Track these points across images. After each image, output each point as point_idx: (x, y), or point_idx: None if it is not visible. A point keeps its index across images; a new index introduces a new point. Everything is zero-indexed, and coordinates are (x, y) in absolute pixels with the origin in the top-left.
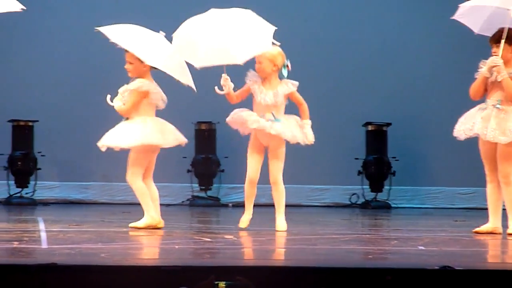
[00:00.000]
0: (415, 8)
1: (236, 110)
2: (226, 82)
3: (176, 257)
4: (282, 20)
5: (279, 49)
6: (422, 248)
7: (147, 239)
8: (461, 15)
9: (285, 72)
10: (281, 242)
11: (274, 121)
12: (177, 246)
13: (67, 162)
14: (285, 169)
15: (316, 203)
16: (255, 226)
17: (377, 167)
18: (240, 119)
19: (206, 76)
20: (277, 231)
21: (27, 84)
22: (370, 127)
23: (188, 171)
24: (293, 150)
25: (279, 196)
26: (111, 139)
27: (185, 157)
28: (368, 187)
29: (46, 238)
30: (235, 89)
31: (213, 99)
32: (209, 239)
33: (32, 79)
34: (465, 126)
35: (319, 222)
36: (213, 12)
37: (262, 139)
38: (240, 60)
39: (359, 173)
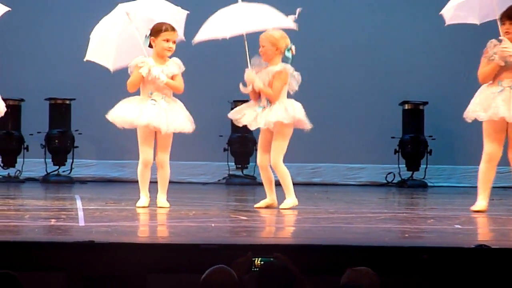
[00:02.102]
0: None
1: (238, 108)
2: (252, 80)
3: (213, 235)
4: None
5: (282, 32)
6: (459, 226)
7: (184, 218)
8: (451, 18)
9: (289, 55)
10: (317, 221)
11: (266, 107)
12: (213, 224)
13: (104, 140)
14: (321, 148)
15: (352, 182)
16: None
17: (413, 146)
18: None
19: (242, 55)
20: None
21: (64, 62)
22: (407, 106)
23: (225, 149)
24: (330, 129)
25: (281, 178)
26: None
27: (221, 136)
28: (404, 166)
29: (83, 216)
30: None
31: None
32: (245, 217)
33: (69, 57)
34: (487, 110)
35: (355, 201)
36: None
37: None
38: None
39: (396, 151)
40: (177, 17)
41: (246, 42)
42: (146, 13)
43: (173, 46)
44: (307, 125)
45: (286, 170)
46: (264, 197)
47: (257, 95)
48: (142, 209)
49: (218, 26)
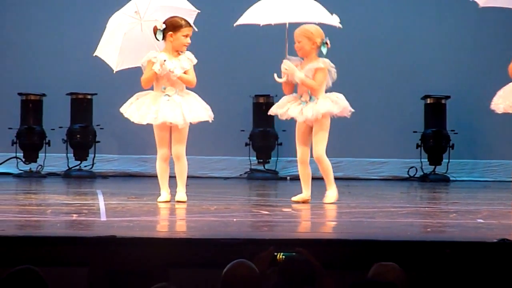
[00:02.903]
0: None
1: (280, 102)
2: (290, 70)
3: (235, 230)
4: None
5: (317, 27)
6: (481, 221)
7: (206, 213)
8: (487, 2)
9: (324, 50)
10: (339, 215)
11: (309, 102)
12: (235, 219)
13: (126, 135)
14: (343, 143)
15: (375, 176)
16: (313, 199)
17: (435, 140)
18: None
19: (264, 50)
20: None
21: (86, 56)
22: (429, 100)
23: (246, 144)
24: (352, 124)
25: (324, 170)
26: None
27: (243, 131)
28: (426, 160)
29: (105, 210)
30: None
31: (270, 72)
32: (267, 212)
33: (90, 52)
34: (505, 102)
35: (377, 195)
36: None
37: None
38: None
39: (418, 146)
40: (189, 12)
41: (287, 32)
42: (160, 2)
43: (189, 42)
44: (349, 112)
45: (329, 162)
46: (288, 192)
47: (291, 87)
48: (163, 204)
49: (262, 13)
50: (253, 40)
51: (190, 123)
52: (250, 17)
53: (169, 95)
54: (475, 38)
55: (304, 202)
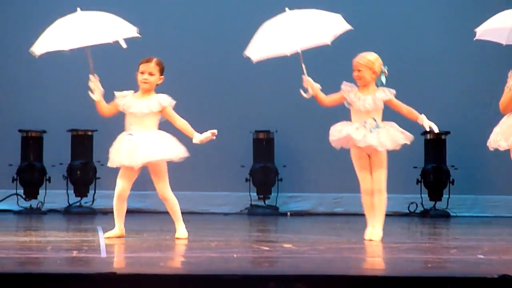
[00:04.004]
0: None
1: (337, 127)
2: (308, 83)
3: (235, 266)
4: None
5: (376, 55)
6: (482, 256)
7: (206, 249)
8: (482, 34)
9: (383, 79)
10: (340, 251)
11: (376, 128)
12: (235, 255)
13: None
14: (343, 178)
15: None
16: (314, 235)
17: (436, 175)
18: (345, 139)
19: (264, 85)
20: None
21: (86, 93)
22: (429, 136)
23: (246, 180)
24: (351, 161)
25: (381, 204)
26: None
27: (243, 166)
28: (427, 195)
29: (105, 247)
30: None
31: (271, 107)
32: (267, 248)
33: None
34: (508, 139)
35: None
36: (283, 14)
37: (366, 149)
38: (291, 49)
39: (418, 181)
40: (124, 32)
41: (302, 58)
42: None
43: (149, 78)
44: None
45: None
46: (289, 228)
47: (324, 100)
48: (164, 240)
49: (273, 42)
50: (253, 75)
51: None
52: (264, 49)
53: (131, 134)
54: (474, 74)
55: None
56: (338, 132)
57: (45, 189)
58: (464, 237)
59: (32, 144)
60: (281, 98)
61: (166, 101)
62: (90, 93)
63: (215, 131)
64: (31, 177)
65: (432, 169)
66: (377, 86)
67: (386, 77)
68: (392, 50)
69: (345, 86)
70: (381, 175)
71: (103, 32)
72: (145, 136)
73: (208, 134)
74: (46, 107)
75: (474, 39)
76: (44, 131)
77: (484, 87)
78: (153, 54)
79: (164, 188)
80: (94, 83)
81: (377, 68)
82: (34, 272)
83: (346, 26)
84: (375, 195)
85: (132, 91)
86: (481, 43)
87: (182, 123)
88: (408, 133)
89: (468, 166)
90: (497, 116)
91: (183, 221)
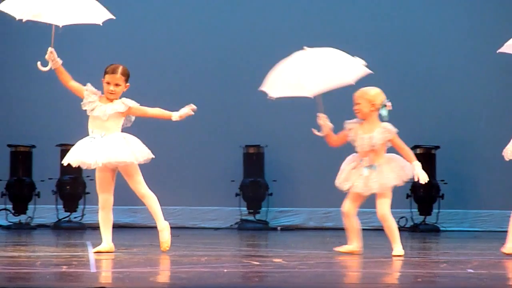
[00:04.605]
0: (465, 31)
1: (342, 165)
2: (325, 122)
3: (225, 281)
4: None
5: (378, 89)
6: (471, 271)
7: (196, 263)
8: (507, 47)
9: (385, 112)
10: (329, 265)
11: (370, 169)
12: (225, 270)
13: (116, 186)
14: (333, 193)
15: (365, 226)
16: (304, 250)
17: (425, 190)
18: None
19: (255, 100)
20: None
21: (75, 108)
22: (418, 150)
23: (237, 194)
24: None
25: (389, 229)
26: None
27: (233, 181)
28: (416, 210)
29: (95, 262)
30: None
31: (261, 122)
32: (257, 263)
33: (79, 103)
34: None
35: (367, 245)
36: (302, 52)
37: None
38: (310, 92)
39: (408, 196)
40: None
41: (321, 102)
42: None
43: (116, 89)
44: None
45: (393, 219)
46: (279, 242)
47: (334, 140)
48: (154, 255)
49: (295, 81)
50: (243, 91)
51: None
52: (282, 87)
53: (94, 137)
54: (464, 89)
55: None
56: (347, 183)
57: (34, 204)
58: (454, 251)
59: (21, 159)
60: (271, 113)
61: (130, 101)
62: (39, 65)
63: (194, 107)
64: (20, 192)
65: (422, 183)
66: (381, 120)
67: (389, 111)
68: (382, 63)
69: (348, 124)
70: (384, 202)
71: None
72: (108, 139)
73: (186, 110)
74: (35, 122)
75: (498, 51)
76: (33, 146)
77: (474, 102)
78: (144, 66)
79: (139, 187)
80: (50, 54)
81: (377, 101)
82: (24, 287)
83: (366, 69)
84: (382, 222)
85: (100, 93)
86: (472, 57)
87: (154, 111)
88: (405, 170)
89: (458, 180)
90: (487, 131)
91: (173, 236)
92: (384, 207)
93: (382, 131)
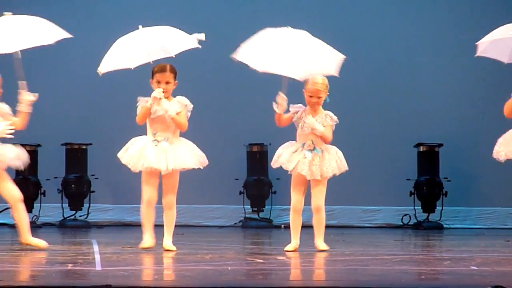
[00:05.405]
0: (469, 29)
1: (279, 150)
2: (283, 102)
3: (229, 278)
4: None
5: (324, 77)
6: (475, 268)
7: (200, 261)
8: (484, 51)
9: (328, 99)
10: (333, 263)
11: (313, 152)
12: (230, 268)
13: (121, 185)
14: (337, 191)
15: (368, 224)
16: (307, 247)
17: (429, 187)
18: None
19: (256, 98)
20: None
21: (80, 107)
22: (422, 148)
23: (240, 193)
24: (344, 172)
25: (321, 223)
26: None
27: (237, 179)
28: (420, 207)
29: (100, 260)
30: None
31: (264, 121)
32: (261, 260)
33: (85, 102)
34: (507, 148)
35: (371, 243)
36: (286, 29)
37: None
38: (299, 76)
39: (411, 194)
40: (186, 43)
41: (286, 84)
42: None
43: (167, 87)
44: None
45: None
46: (283, 240)
47: (282, 121)
48: (159, 253)
49: (283, 62)
50: (246, 89)
51: (181, 171)
52: (265, 61)
53: (157, 141)
54: (467, 87)
55: (295, 250)
56: (289, 164)
57: (40, 203)
58: (457, 248)
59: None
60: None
61: (188, 102)
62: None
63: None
64: (26, 191)
65: (425, 181)
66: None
67: (328, 95)
68: (385, 62)
69: (293, 108)
70: (319, 194)
71: (163, 45)
72: (174, 146)
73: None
74: (41, 121)
75: (475, 55)
76: (39, 145)
77: (477, 100)
78: (148, 64)
79: (173, 198)
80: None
81: (328, 89)
82: (30, 285)
83: (340, 56)
84: (316, 214)
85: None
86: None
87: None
88: (343, 161)
89: (461, 178)
90: (490, 129)
91: (178, 234)
92: (321, 198)
93: (324, 116)
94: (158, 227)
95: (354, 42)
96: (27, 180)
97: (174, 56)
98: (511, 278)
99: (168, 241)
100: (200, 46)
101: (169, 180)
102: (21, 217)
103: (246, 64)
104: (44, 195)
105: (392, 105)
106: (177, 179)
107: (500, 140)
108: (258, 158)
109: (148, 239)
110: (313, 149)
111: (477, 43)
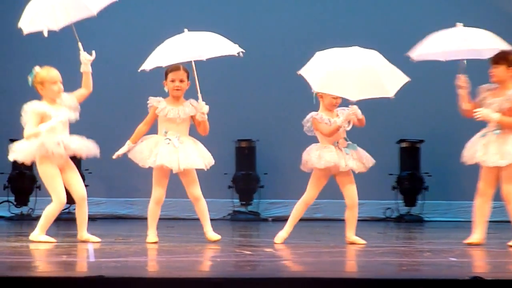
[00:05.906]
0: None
1: (312, 152)
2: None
3: (218, 270)
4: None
5: None
6: (454, 259)
7: (190, 253)
8: (420, 57)
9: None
10: (318, 255)
11: (349, 147)
12: (219, 259)
13: (114, 179)
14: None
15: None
16: (294, 240)
17: (410, 182)
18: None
19: (245, 95)
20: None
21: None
22: (403, 144)
23: (229, 187)
24: None
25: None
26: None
27: (226, 174)
28: (402, 201)
29: (94, 251)
30: None
31: (253, 117)
32: (249, 252)
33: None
34: (468, 153)
35: (362, 236)
36: (356, 48)
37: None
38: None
39: (393, 188)
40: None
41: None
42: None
43: (181, 85)
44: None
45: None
46: (270, 233)
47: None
48: (150, 245)
49: (342, 82)
50: (235, 86)
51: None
52: (327, 82)
53: (169, 139)
54: (449, 84)
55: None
56: (320, 159)
57: (35, 196)
58: (437, 240)
59: None
60: (263, 108)
61: (202, 105)
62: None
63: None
64: (21, 184)
65: (407, 176)
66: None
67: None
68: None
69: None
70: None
71: (208, 47)
72: (185, 145)
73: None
74: None
75: (414, 60)
76: None
77: (456, 98)
78: (138, 63)
79: (197, 190)
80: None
81: None
82: (25, 276)
83: (406, 79)
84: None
85: (162, 98)
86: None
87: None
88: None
89: (442, 173)
90: (469, 126)
91: (168, 227)
92: (356, 194)
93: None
94: (161, 221)
95: (344, 38)
96: (23, 174)
97: (205, 60)
98: (488, 269)
99: (210, 232)
100: (237, 55)
101: (187, 177)
102: (83, 215)
103: (241, 66)
104: (39, 189)
105: (375, 103)
106: (195, 172)
107: (467, 145)
108: (246, 153)
109: (153, 235)
110: (348, 146)
111: (406, 54)
